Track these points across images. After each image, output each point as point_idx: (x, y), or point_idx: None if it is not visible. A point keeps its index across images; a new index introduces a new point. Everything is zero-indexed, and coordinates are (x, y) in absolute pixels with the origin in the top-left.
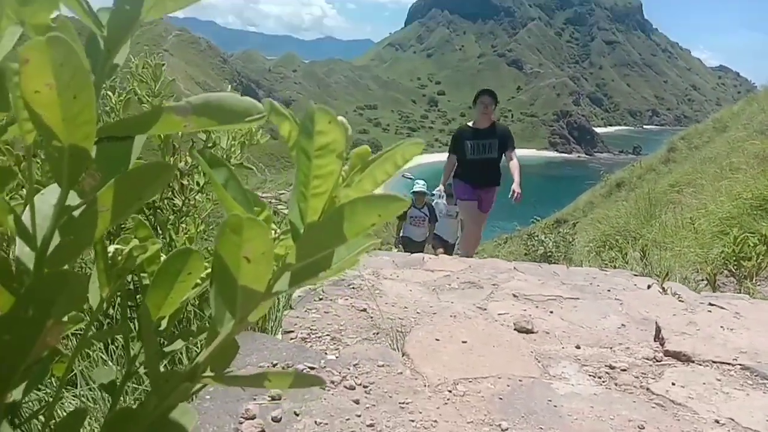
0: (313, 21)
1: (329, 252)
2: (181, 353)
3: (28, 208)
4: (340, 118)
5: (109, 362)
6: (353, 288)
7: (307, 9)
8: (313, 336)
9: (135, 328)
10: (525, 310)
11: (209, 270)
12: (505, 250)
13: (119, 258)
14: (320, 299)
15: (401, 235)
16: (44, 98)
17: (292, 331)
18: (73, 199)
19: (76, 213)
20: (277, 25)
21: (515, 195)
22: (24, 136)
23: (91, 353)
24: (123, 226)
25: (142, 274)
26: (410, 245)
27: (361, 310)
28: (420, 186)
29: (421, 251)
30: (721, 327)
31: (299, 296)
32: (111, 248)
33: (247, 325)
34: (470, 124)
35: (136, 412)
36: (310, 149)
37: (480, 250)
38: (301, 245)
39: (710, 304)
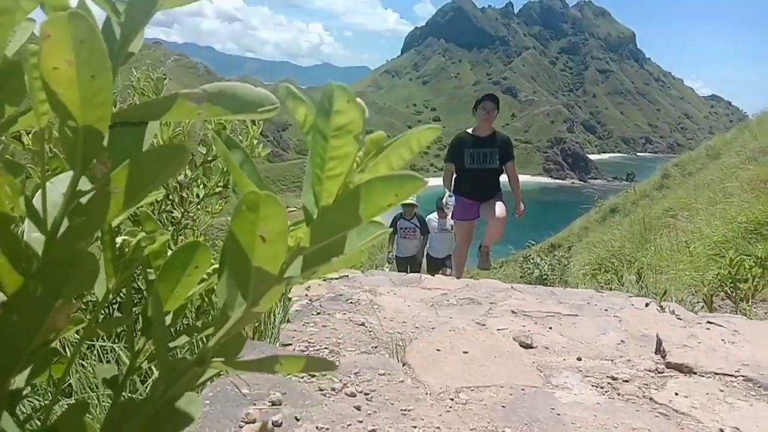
0: (311, 48)
1: (343, 235)
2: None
3: (38, 194)
4: (357, 99)
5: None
6: (351, 303)
7: (304, 36)
8: (312, 348)
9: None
10: (524, 326)
11: (215, 266)
12: (500, 273)
13: (127, 249)
14: (318, 313)
15: (393, 253)
16: (63, 75)
17: (290, 344)
18: (84, 185)
19: (86, 198)
20: (275, 51)
21: (520, 212)
22: (38, 119)
23: (85, 363)
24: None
25: (148, 270)
26: (402, 263)
27: (360, 324)
28: (409, 198)
29: (416, 269)
30: (722, 340)
31: (296, 310)
32: (119, 239)
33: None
34: (470, 131)
35: (139, 404)
36: (326, 129)
37: (474, 273)
38: (316, 227)
39: (708, 322)
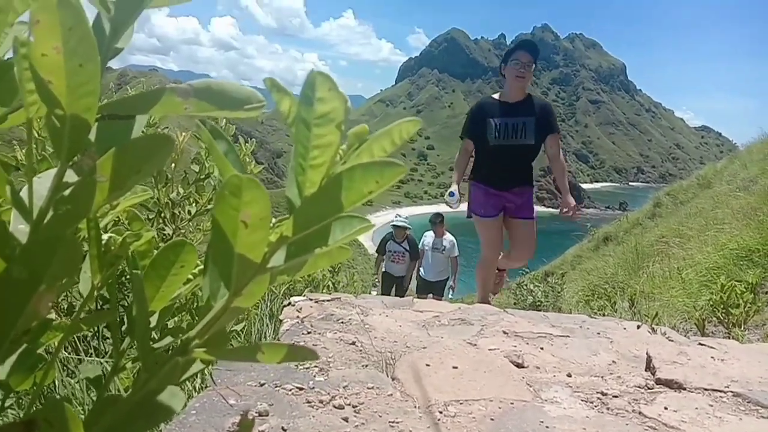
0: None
1: (326, 225)
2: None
3: (25, 187)
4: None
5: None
6: (342, 323)
7: (300, 65)
8: (301, 366)
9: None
10: (515, 346)
11: (201, 266)
12: (494, 300)
13: (112, 247)
14: (308, 333)
15: (379, 277)
16: (51, 62)
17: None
18: (70, 177)
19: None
20: None
21: (571, 210)
22: (27, 109)
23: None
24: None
25: (134, 270)
26: (388, 279)
27: (350, 344)
28: (401, 220)
29: (402, 291)
30: (712, 358)
31: (286, 329)
32: (105, 236)
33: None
34: (495, 96)
35: (121, 397)
36: (309, 118)
37: (466, 297)
38: (298, 216)
39: (700, 344)
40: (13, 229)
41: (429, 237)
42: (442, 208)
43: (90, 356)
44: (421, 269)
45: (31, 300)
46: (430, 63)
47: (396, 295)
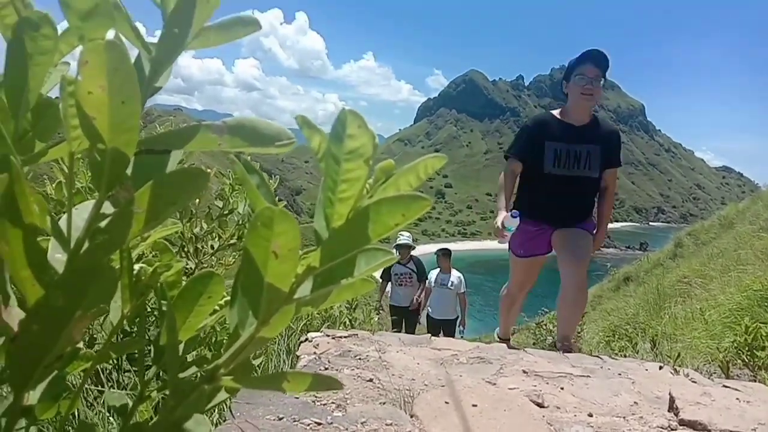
0: (327, 116)
1: (352, 256)
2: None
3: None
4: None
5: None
6: (360, 359)
7: (321, 105)
8: (318, 403)
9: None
10: (535, 385)
11: (228, 298)
12: (513, 340)
13: (143, 277)
14: (326, 369)
15: (389, 301)
16: (96, 100)
17: (297, 397)
18: (107, 209)
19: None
20: (291, 119)
21: (596, 247)
22: (70, 143)
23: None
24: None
25: (162, 300)
26: (397, 311)
27: (368, 381)
28: (404, 238)
29: (413, 322)
30: (737, 399)
31: (303, 365)
32: (136, 267)
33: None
34: (556, 113)
35: (146, 425)
36: (339, 153)
37: (483, 336)
38: (326, 247)
39: (724, 386)
40: (51, 258)
41: (435, 274)
42: (459, 245)
43: (110, 388)
44: (429, 308)
45: (68, 325)
46: (448, 103)
47: (406, 332)
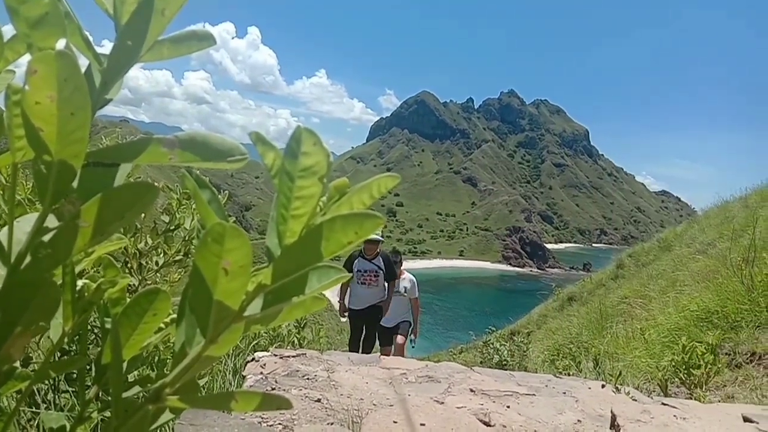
0: (278, 132)
1: (303, 274)
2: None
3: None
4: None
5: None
6: (308, 379)
7: (272, 120)
8: (264, 423)
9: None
10: (482, 404)
11: (173, 315)
12: (460, 358)
13: (86, 293)
14: (272, 389)
15: (347, 304)
16: (44, 110)
17: (243, 418)
18: (51, 222)
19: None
20: (242, 134)
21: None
22: (13, 154)
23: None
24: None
25: (105, 318)
26: (356, 317)
27: (316, 401)
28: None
29: (371, 341)
30: (674, 416)
31: (249, 386)
32: (80, 282)
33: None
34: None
35: None
36: (293, 170)
37: (432, 355)
38: (278, 264)
39: (663, 404)
40: None
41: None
42: (409, 263)
43: (46, 409)
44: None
45: (6, 341)
46: (400, 123)
47: (365, 347)
